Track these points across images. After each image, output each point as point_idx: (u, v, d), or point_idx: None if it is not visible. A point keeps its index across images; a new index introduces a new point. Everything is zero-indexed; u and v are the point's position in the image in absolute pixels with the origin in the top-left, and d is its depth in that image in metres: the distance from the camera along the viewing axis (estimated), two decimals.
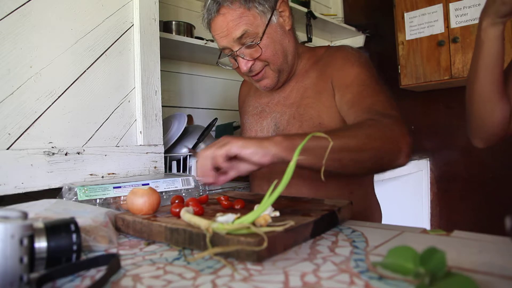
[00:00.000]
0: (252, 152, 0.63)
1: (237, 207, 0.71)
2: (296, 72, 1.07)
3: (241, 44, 0.94)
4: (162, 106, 1.21)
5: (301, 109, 1.00)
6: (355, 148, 0.72)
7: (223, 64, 1.06)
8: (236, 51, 0.94)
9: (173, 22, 1.66)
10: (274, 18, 0.95)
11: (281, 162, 0.65)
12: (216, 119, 1.56)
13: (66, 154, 0.97)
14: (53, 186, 0.93)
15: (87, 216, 0.61)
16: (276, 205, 0.66)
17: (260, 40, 0.93)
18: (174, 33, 1.61)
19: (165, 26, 1.62)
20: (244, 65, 0.96)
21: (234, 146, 0.64)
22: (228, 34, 0.93)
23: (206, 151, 0.66)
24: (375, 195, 1.13)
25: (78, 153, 0.99)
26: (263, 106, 1.11)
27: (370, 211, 1.06)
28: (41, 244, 0.45)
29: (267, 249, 0.48)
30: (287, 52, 1.00)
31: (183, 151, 1.25)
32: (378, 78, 0.95)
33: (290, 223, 0.53)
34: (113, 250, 0.58)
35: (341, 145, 0.69)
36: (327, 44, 2.79)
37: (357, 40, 2.73)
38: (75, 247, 0.48)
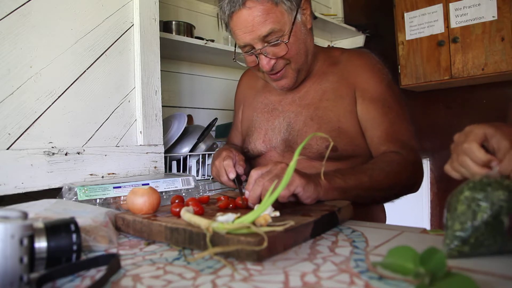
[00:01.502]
0: (308, 197, 0.69)
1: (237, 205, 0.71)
2: (313, 72, 1.04)
3: (265, 42, 0.89)
4: (162, 106, 1.21)
5: (320, 111, 0.98)
6: (385, 187, 0.83)
7: (241, 61, 1.01)
8: (260, 49, 0.90)
9: (173, 22, 1.66)
10: (298, 16, 0.92)
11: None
12: (216, 119, 1.56)
13: (66, 154, 0.97)
14: (53, 186, 0.93)
15: (87, 216, 0.61)
16: (276, 205, 0.66)
17: (288, 39, 0.89)
18: (174, 33, 1.61)
19: (165, 26, 1.62)
20: (267, 63, 0.91)
21: (299, 188, 0.67)
22: (253, 30, 0.88)
23: (264, 180, 0.67)
24: None
25: (78, 153, 0.99)
26: (275, 104, 1.07)
27: (375, 211, 1.06)
28: (41, 244, 0.45)
29: (267, 249, 0.48)
30: (308, 51, 0.97)
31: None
32: (400, 96, 0.99)
33: (290, 223, 0.53)
34: (113, 250, 0.58)
35: (373, 185, 0.80)
36: (327, 44, 2.80)
37: (357, 40, 2.72)
38: (75, 247, 0.48)
